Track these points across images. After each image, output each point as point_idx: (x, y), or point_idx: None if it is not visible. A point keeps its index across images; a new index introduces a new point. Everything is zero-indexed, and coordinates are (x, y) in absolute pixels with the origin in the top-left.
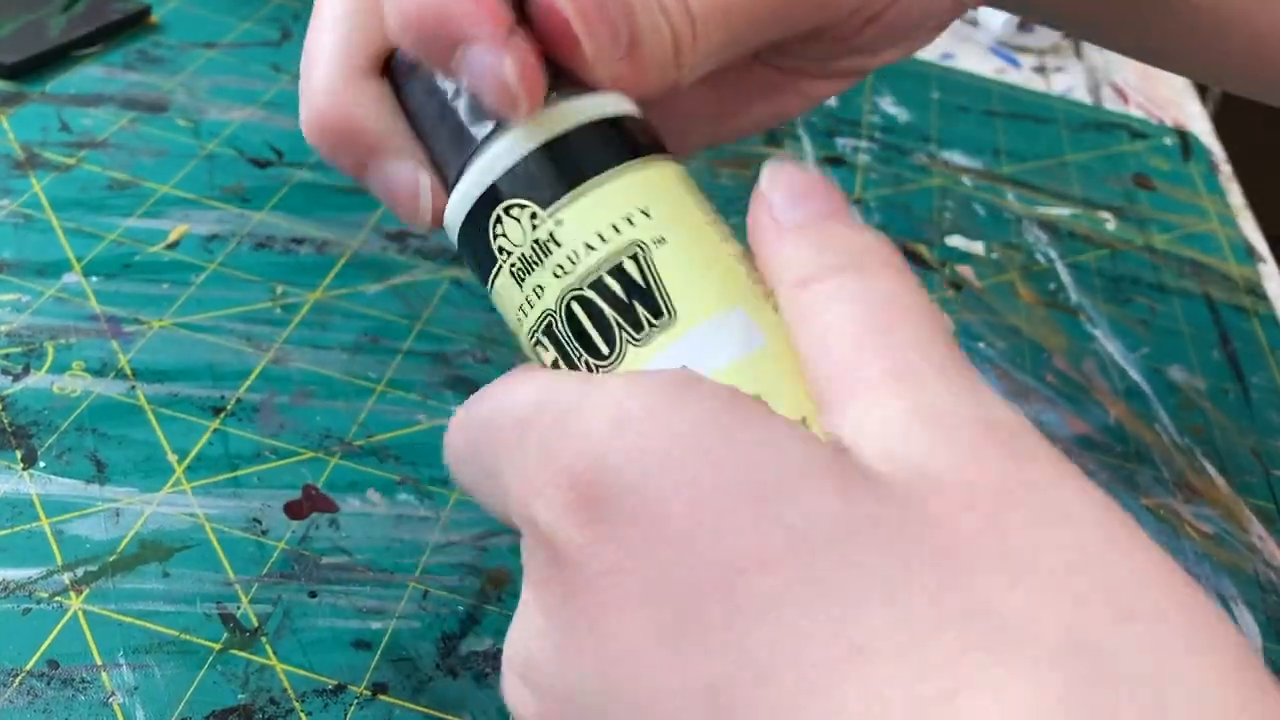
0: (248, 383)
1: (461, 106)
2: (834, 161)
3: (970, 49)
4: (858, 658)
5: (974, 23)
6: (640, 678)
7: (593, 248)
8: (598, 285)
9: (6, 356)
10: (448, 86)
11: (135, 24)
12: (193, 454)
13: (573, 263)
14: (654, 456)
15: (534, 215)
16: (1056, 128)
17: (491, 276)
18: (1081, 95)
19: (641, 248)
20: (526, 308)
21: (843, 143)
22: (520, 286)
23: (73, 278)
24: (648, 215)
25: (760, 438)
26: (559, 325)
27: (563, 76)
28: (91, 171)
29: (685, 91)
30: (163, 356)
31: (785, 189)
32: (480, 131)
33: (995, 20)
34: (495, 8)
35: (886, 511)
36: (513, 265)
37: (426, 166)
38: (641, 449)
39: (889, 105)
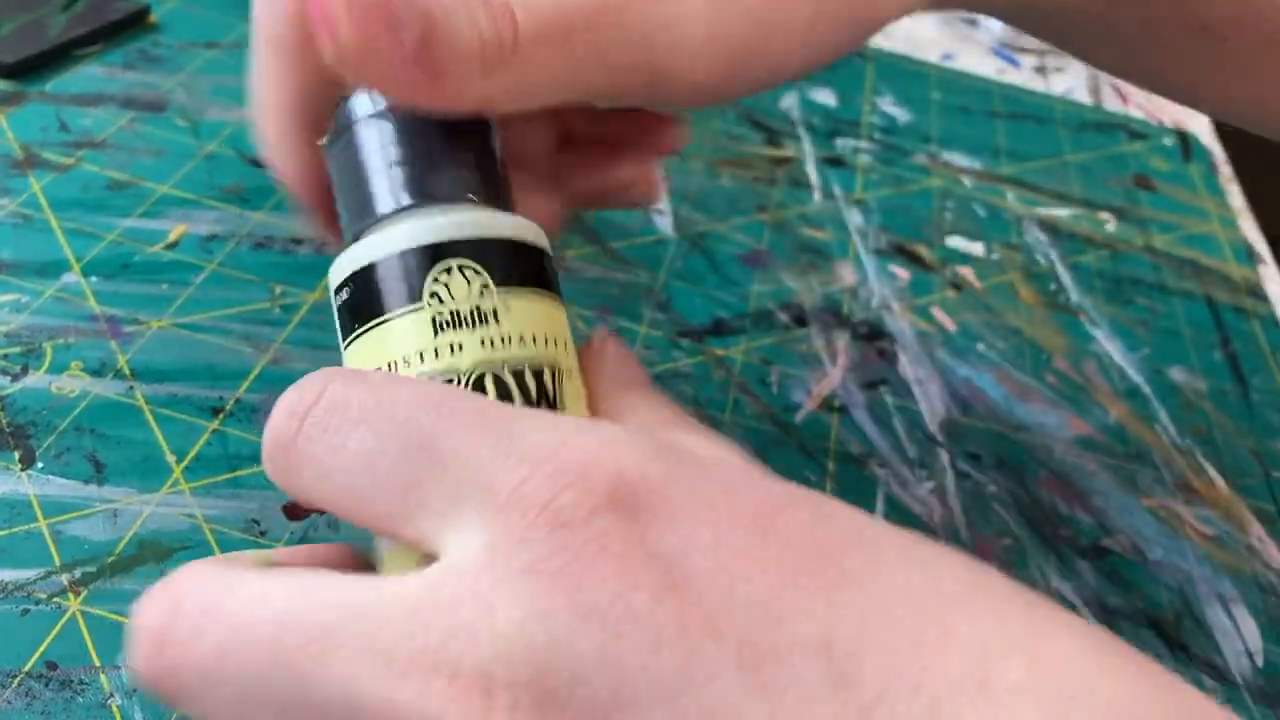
0: (247, 383)
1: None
2: (834, 162)
3: (970, 49)
4: (952, 603)
5: (974, 23)
6: (742, 648)
7: (524, 342)
8: (518, 374)
9: (5, 356)
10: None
11: (135, 24)
12: (191, 454)
13: (504, 344)
14: (693, 468)
15: (485, 286)
16: (1056, 128)
17: (400, 312)
18: (1082, 96)
19: (558, 370)
20: (429, 354)
21: (843, 143)
22: (435, 335)
23: (71, 278)
24: (565, 346)
25: (755, 470)
26: (461, 386)
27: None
28: (91, 171)
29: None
30: (161, 357)
31: (616, 356)
32: (413, 196)
33: (995, 20)
34: None
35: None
36: (439, 314)
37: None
38: (677, 459)
39: (889, 106)
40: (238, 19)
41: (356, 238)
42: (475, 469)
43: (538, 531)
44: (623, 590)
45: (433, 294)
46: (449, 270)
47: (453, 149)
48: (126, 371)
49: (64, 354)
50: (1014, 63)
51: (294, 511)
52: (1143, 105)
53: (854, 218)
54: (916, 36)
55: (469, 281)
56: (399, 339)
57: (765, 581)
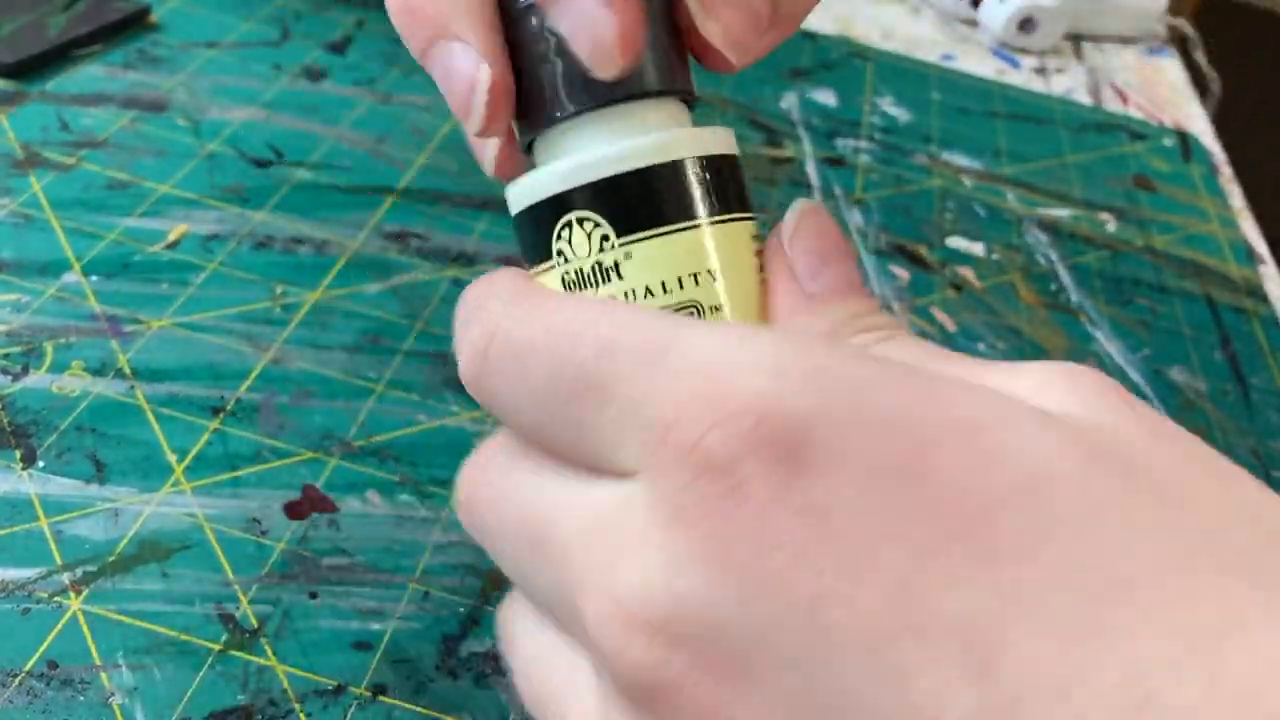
0: (247, 383)
1: (562, 65)
2: (834, 162)
3: (971, 50)
4: (1126, 590)
5: (974, 24)
6: (876, 621)
7: (652, 293)
8: None
9: (6, 356)
10: (555, 35)
11: (135, 23)
12: (192, 454)
13: (629, 299)
14: (844, 398)
15: (605, 238)
16: (1057, 129)
17: (539, 269)
18: (1082, 96)
19: (697, 309)
20: None
21: (843, 143)
22: (567, 292)
23: (72, 277)
24: (712, 278)
25: (935, 383)
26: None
27: (679, 80)
28: (91, 171)
29: None
30: (162, 356)
31: (809, 252)
32: (575, 102)
33: (996, 21)
34: None
35: (1096, 450)
36: (566, 273)
37: (492, 62)
38: (827, 389)
39: (889, 106)
40: (238, 19)
41: (527, 150)
42: (635, 406)
43: (685, 474)
44: (762, 548)
45: (559, 251)
46: (569, 225)
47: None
48: (127, 371)
49: (65, 353)
50: (1014, 63)
51: (295, 510)
52: (1143, 106)
53: (854, 218)
54: (916, 37)
55: (587, 236)
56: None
57: (911, 546)
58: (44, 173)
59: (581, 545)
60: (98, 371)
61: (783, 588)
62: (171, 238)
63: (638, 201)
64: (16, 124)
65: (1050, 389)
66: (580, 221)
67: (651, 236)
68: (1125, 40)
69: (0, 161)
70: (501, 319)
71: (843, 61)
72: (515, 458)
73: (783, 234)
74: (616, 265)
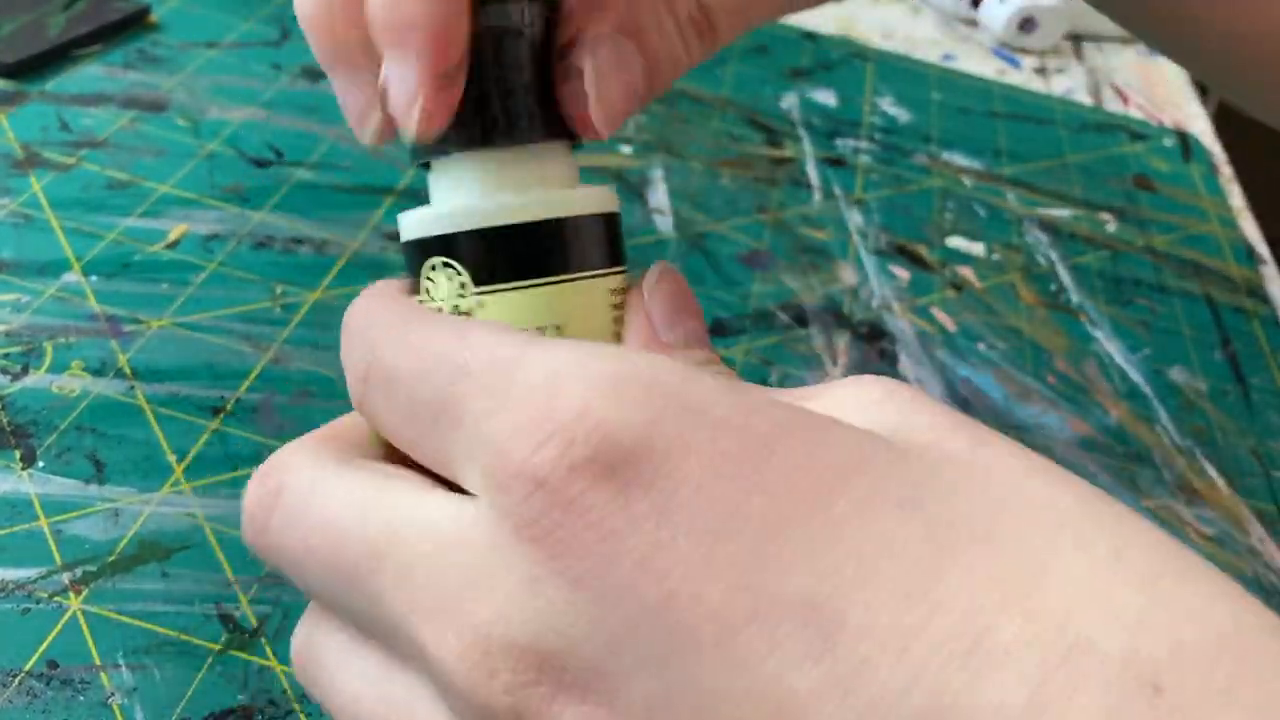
0: (247, 383)
1: None
2: (834, 162)
3: (971, 50)
4: (948, 552)
5: (974, 24)
6: (722, 613)
7: None
8: None
9: (6, 356)
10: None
11: (135, 23)
12: (192, 454)
13: None
14: (677, 405)
15: (463, 285)
16: (1057, 129)
17: (416, 299)
18: (1082, 96)
19: None
20: None
21: (843, 143)
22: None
23: (72, 277)
24: (559, 331)
25: (764, 393)
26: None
27: (559, 127)
28: (91, 171)
29: None
30: (162, 356)
31: (666, 305)
32: (453, 142)
33: (996, 21)
34: (446, 36)
35: (911, 437)
36: (430, 307)
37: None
38: (661, 400)
39: (889, 106)
40: (238, 19)
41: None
42: (479, 426)
43: (522, 491)
44: (606, 560)
45: (425, 288)
46: (434, 267)
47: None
48: (127, 371)
49: (65, 353)
50: (1014, 63)
51: None
52: (1143, 106)
53: (854, 218)
54: (916, 37)
55: (449, 279)
56: None
57: (749, 535)
58: (44, 173)
59: (424, 570)
60: (98, 371)
61: (631, 595)
62: (171, 238)
63: (494, 256)
64: (16, 124)
65: (866, 393)
66: (444, 264)
67: (504, 290)
68: (1125, 40)
69: (0, 161)
70: (375, 344)
71: (843, 61)
72: (321, 475)
73: (644, 288)
74: (470, 312)
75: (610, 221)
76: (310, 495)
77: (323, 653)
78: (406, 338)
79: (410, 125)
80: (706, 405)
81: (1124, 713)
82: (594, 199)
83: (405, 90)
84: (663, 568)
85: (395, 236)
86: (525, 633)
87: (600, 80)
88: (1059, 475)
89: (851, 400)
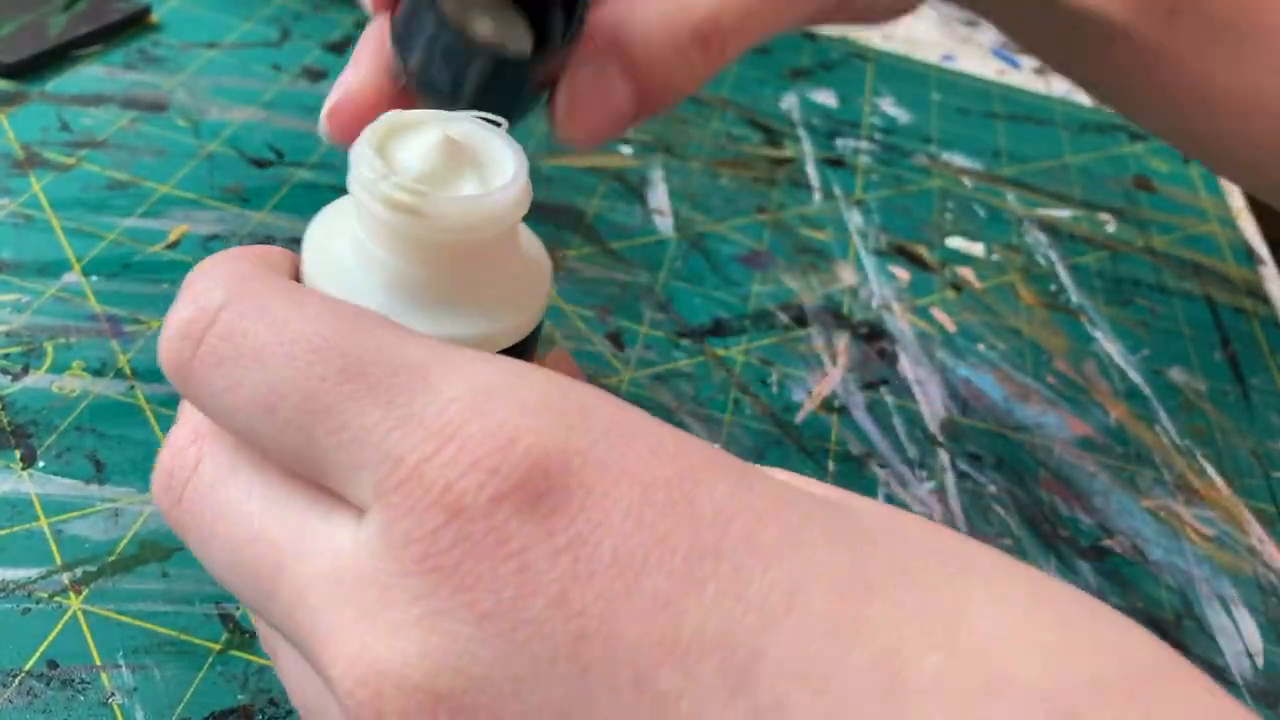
0: None
1: None
2: (834, 163)
3: (971, 50)
4: (869, 589)
5: (974, 24)
6: (640, 651)
7: None
8: None
9: (6, 356)
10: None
11: (135, 24)
12: None
13: None
14: (606, 433)
15: None
16: (1056, 129)
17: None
18: (1082, 97)
19: None
20: None
21: (843, 144)
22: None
23: (72, 277)
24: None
25: (682, 432)
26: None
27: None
28: (91, 171)
29: None
30: None
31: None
32: None
33: None
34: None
35: (815, 496)
36: None
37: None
38: (591, 425)
39: (889, 106)
40: (238, 19)
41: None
42: (374, 435)
43: (435, 518)
44: (522, 594)
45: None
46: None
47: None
48: (127, 371)
49: (65, 353)
50: (1014, 64)
51: None
52: None
53: (854, 218)
54: (916, 38)
55: None
56: None
57: (671, 571)
58: (44, 173)
59: (321, 592)
60: (98, 371)
61: (543, 633)
62: (171, 238)
63: None
64: (16, 124)
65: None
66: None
67: None
68: None
69: (0, 161)
70: (232, 300)
71: (843, 61)
72: (235, 464)
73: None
74: None
75: (524, 340)
76: (212, 493)
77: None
78: (279, 307)
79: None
80: (640, 432)
81: None
82: (505, 329)
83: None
84: (579, 605)
85: None
86: (421, 670)
87: (575, 101)
88: (964, 538)
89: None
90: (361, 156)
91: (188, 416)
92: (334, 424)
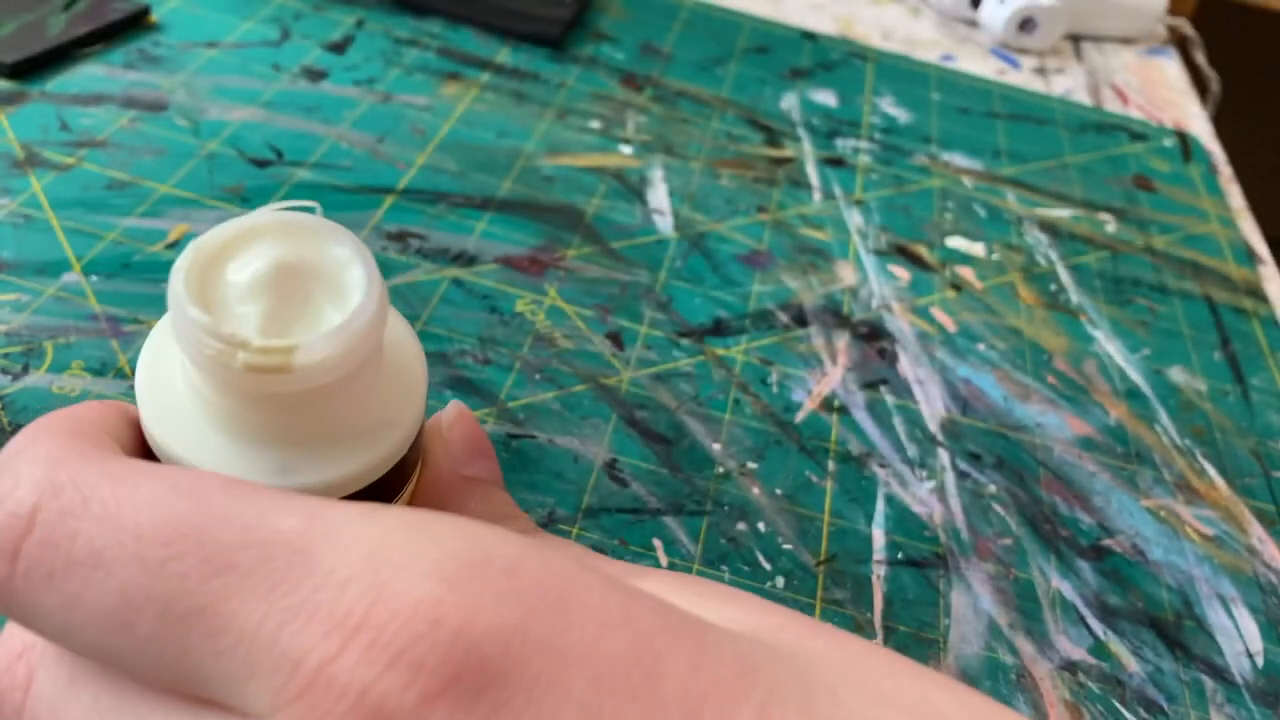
0: None
1: None
2: (834, 162)
3: (970, 50)
4: None
5: (974, 24)
6: None
7: None
8: None
9: (6, 356)
10: None
11: (135, 23)
12: None
13: None
14: (546, 605)
15: None
16: (1056, 129)
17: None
18: (1081, 97)
19: None
20: None
21: (843, 143)
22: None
23: (72, 277)
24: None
25: (609, 573)
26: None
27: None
28: (91, 171)
29: None
30: None
31: (465, 440)
32: None
33: (996, 22)
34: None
35: (771, 650)
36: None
37: None
38: (525, 596)
39: (889, 106)
40: (238, 19)
41: None
42: (261, 636)
43: None
44: None
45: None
46: None
47: None
48: (127, 371)
49: (65, 353)
50: (1014, 64)
51: None
52: (1143, 106)
53: (854, 218)
54: (916, 37)
55: None
56: None
57: None
58: (44, 173)
59: None
60: (98, 371)
61: None
62: (171, 238)
63: None
64: (16, 124)
65: (692, 589)
66: None
67: None
68: (1125, 40)
69: (0, 161)
70: (47, 500)
71: (843, 61)
72: (75, 677)
73: (441, 423)
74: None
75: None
76: (52, 715)
77: None
78: (107, 497)
79: None
80: (579, 595)
81: None
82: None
83: None
84: None
85: (396, 236)
86: None
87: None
88: (920, 670)
89: (680, 596)
90: (188, 315)
91: (11, 629)
92: (208, 629)
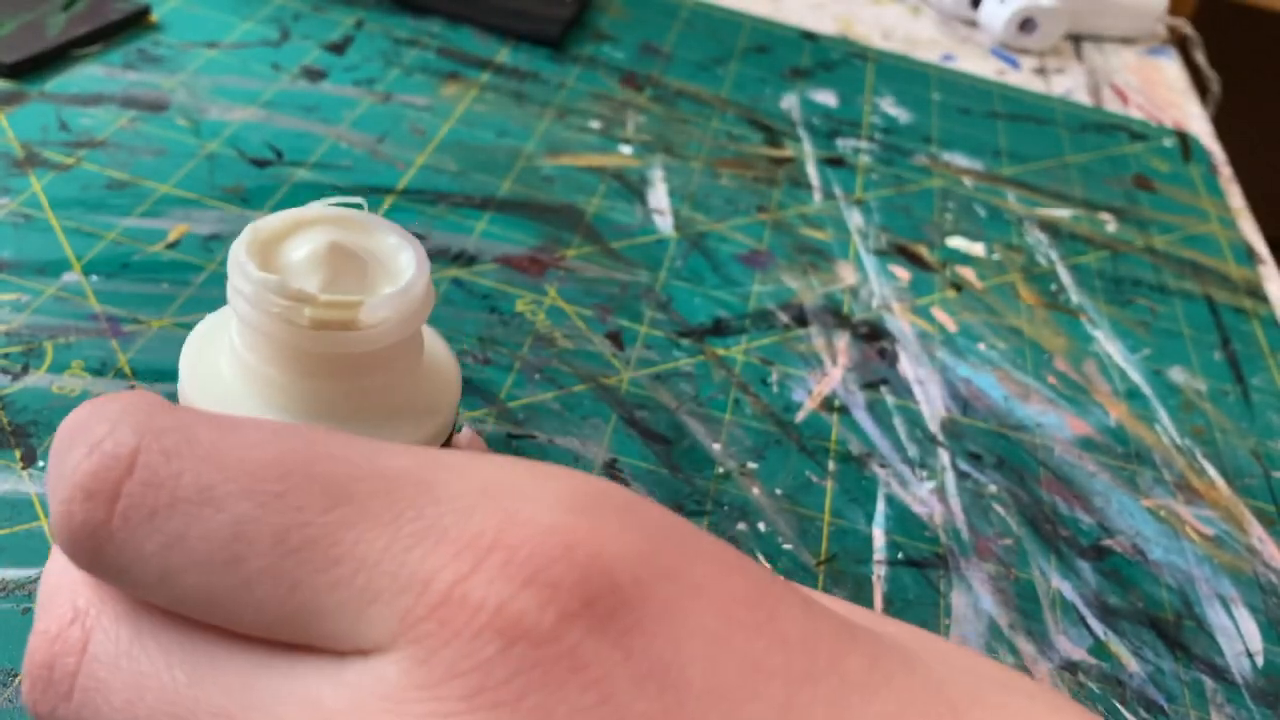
0: None
1: None
2: (834, 162)
3: (970, 51)
4: (953, 708)
5: (974, 24)
6: None
7: None
8: None
9: (6, 356)
10: None
11: (135, 23)
12: None
13: None
14: (667, 536)
15: None
16: (1057, 129)
17: None
18: (1082, 97)
19: None
20: None
21: (843, 143)
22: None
23: (72, 277)
24: None
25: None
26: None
27: None
28: (91, 171)
29: None
30: (162, 356)
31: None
32: None
33: (996, 22)
34: None
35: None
36: None
37: None
38: (647, 528)
39: (889, 106)
40: (238, 19)
41: None
42: (386, 562)
43: (488, 645)
44: None
45: None
46: None
47: None
48: (127, 371)
49: (65, 353)
50: (1014, 64)
51: None
52: (1143, 106)
53: (854, 218)
54: (916, 37)
55: None
56: None
57: (770, 698)
58: (44, 172)
59: None
60: (98, 371)
61: None
62: (171, 238)
63: None
64: (16, 124)
65: None
66: None
67: None
68: (1125, 40)
69: (0, 161)
70: (149, 440)
71: (843, 61)
72: (138, 632)
73: (459, 443)
74: None
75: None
76: (116, 674)
77: None
78: (210, 437)
79: None
80: (696, 537)
81: None
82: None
83: None
84: None
85: None
86: None
87: None
88: (982, 654)
89: None
90: (257, 280)
91: (54, 601)
92: (325, 559)
